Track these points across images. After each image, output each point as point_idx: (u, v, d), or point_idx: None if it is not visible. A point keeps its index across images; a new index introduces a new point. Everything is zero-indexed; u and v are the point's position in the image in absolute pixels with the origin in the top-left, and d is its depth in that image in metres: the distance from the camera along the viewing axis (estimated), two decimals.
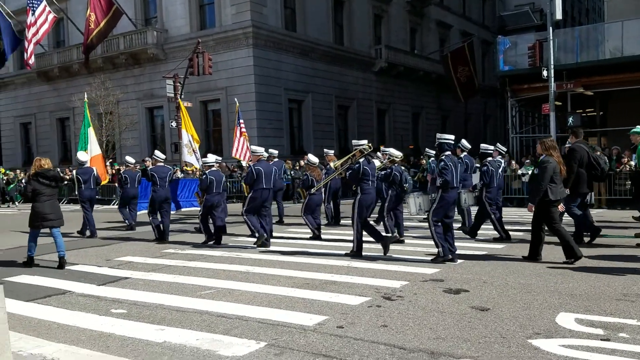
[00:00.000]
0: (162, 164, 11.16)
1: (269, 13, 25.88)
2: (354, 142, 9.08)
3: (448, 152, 7.53)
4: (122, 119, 27.41)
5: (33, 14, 20.30)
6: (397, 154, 9.58)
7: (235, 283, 6.54)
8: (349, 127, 31.42)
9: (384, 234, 8.82)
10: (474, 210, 10.41)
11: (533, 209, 7.31)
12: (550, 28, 17.57)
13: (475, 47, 36.11)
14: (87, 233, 11.77)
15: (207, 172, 9.96)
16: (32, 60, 21.28)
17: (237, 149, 15.48)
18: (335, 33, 30.07)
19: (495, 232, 9.53)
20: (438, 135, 7.85)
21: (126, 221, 12.93)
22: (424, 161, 14.85)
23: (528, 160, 16.81)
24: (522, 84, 19.82)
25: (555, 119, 17.80)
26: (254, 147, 10.09)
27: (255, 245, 9.19)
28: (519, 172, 16.25)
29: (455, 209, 9.75)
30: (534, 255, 7.37)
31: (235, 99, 20.76)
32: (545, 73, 17.62)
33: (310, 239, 10.28)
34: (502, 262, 7.38)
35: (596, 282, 6.03)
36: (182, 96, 21.46)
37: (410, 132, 35.80)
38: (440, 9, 38.21)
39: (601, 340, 4.18)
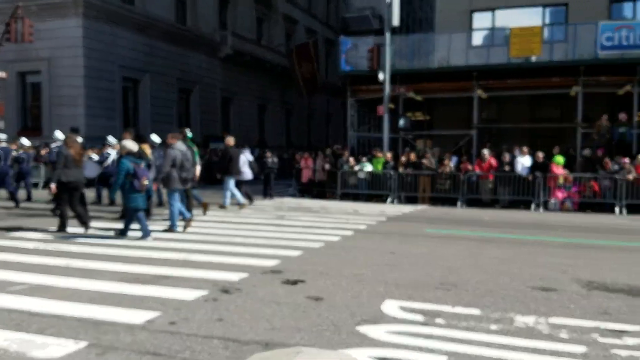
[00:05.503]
0: None
1: None
2: None
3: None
4: None
5: None
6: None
7: (52, 278, 5.88)
8: (191, 113, 30.34)
9: None
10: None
11: (54, 188, 8.94)
12: (388, 34, 18.72)
13: (320, 45, 37.28)
14: None
15: None
16: None
17: None
18: (177, 11, 28.66)
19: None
20: None
21: None
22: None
23: (365, 158, 17.80)
24: (361, 85, 20.79)
25: (389, 121, 19.06)
26: None
27: None
28: (356, 168, 17.14)
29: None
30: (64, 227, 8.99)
31: None
32: (381, 76, 18.71)
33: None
34: (337, 253, 7.69)
35: (419, 272, 6.56)
36: None
37: (256, 124, 35.63)
38: (287, 3, 38.64)
39: (421, 325, 4.53)
